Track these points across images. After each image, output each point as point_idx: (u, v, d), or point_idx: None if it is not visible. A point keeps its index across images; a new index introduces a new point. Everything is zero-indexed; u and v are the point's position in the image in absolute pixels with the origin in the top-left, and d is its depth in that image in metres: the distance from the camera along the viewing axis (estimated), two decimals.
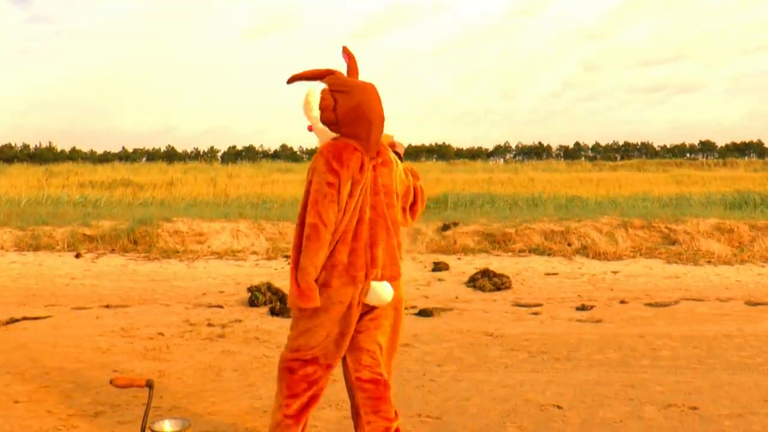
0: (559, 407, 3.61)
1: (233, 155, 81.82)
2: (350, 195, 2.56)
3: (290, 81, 2.70)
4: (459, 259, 8.62)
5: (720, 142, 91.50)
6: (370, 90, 2.65)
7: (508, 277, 7.24)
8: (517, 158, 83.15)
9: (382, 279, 2.62)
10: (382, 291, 2.62)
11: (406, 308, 6.15)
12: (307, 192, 2.57)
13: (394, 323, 2.75)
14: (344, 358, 2.72)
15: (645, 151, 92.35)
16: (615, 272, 7.85)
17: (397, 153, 2.85)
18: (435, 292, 6.90)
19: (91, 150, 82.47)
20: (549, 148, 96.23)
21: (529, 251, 8.88)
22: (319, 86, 2.64)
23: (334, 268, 2.56)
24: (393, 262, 2.66)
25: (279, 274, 7.75)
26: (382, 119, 2.66)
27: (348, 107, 2.58)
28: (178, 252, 9.01)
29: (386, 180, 2.68)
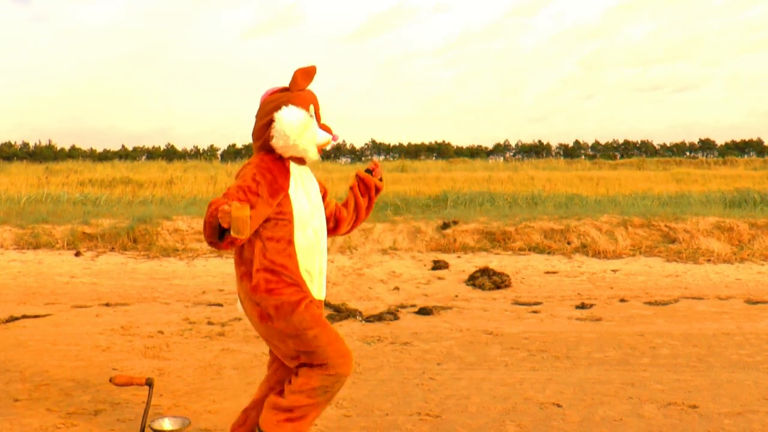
0: (558, 405, 3.61)
1: (233, 154, 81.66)
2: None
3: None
4: (459, 257, 8.62)
5: (720, 141, 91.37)
6: None
7: (507, 276, 7.24)
8: (516, 156, 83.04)
9: None
10: None
11: (405, 306, 6.18)
12: None
13: None
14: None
15: (645, 149, 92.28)
16: (615, 271, 7.85)
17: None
18: (435, 291, 6.90)
19: (91, 148, 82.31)
20: (549, 146, 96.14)
21: (529, 250, 8.89)
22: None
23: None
24: None
25: None
26: None
27: None
28: (177, 250, 9.02)
29: None
